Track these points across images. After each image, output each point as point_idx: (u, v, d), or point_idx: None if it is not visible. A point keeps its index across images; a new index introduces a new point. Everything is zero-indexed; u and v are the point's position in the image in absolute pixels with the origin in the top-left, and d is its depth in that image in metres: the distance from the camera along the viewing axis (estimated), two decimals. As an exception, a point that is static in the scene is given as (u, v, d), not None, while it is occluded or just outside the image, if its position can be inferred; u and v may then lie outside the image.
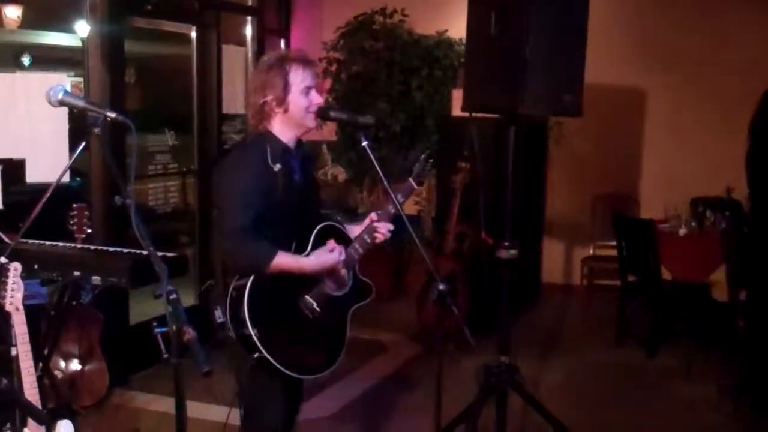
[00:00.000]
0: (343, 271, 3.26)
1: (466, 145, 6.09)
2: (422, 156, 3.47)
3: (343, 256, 3.17)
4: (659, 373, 5.96)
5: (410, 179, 3.40)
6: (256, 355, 2.97)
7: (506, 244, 4.31)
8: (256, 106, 3.11)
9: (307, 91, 3.12)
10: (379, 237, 3.27)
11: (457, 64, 7.63)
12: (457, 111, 6.61)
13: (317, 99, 3.15)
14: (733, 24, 7.56)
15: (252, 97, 3.14)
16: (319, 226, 3.19)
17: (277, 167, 3.08)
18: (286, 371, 3.02)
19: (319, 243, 3.16)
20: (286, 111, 3.10)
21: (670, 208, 6.67)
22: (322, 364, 3.20)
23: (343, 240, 3.26)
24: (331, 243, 3.17)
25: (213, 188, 3.20)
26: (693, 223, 6.48)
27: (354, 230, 3.35)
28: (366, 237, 3.24)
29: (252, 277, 2.99)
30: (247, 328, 2.95)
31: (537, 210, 8.11)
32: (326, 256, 3.13)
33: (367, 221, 3.30)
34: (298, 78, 3.10)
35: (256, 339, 2.94)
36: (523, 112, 4.13)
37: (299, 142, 3.23)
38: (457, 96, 6.62)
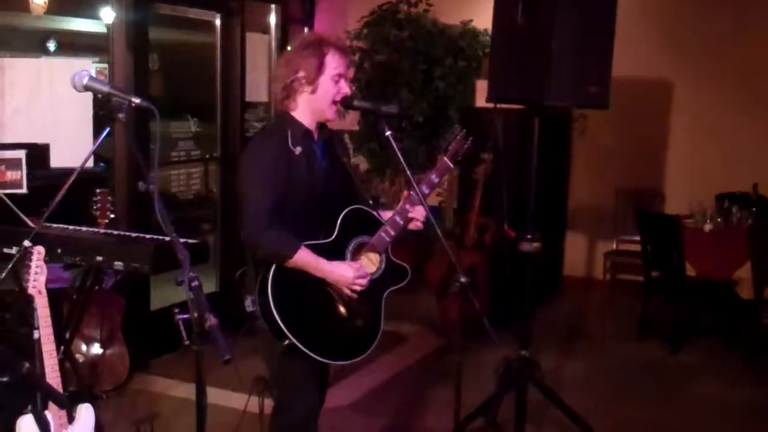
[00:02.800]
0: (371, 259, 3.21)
1: (489, 137, 6.06)
2: (461, 133, 3.34)
3: (364, 280, 3.10)
4: (682, 369, 5.91)
5: (444, 157, 3.29)
6: (286, 342, 2.96)
7: (529, 237, 4.28)
8: (285, 81, 3.07)
9: (338, 78, 3.09)
10: (416, 224, 3.20)
11: (482, 54, 7.59)
12: (480, 102, 6.58)
13: (345, 89, 3.12)
14: (761, 15, 7.45)
15: (283, 69, 3.10)
16: (346, 210, 3.12)
17: (298, 150, 3.06)
18: (318, 357, 3.01)
19: (347, 227, 3.11)
20: (313, 92, 3.07)
21: (695, 203, 6.61)
22: (356, 348, 3.15)
23: (373, 224, 3.18)
24: (359, 263, 3.11)
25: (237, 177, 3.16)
26: (718, 219, 6.41)
27: (387, 215, 3.25)
28: (398, 218, 3.16)
29: (275, 264, 2.98)
30: (273, 314, 2.93)
31: (560, 203, 8.07)
32: (345, 270, 3.06)
33: (402, 202, 3.20)
34: (333, 63, 3.07)
35: (282, 325, 2.93)
36: (549, 103, 4.11)
37: (324, 126, 3.20)
38: (481, 86, 6.60)
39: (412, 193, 3.16)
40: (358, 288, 3.08)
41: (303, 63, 3.04)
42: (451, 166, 3.31)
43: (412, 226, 3.21)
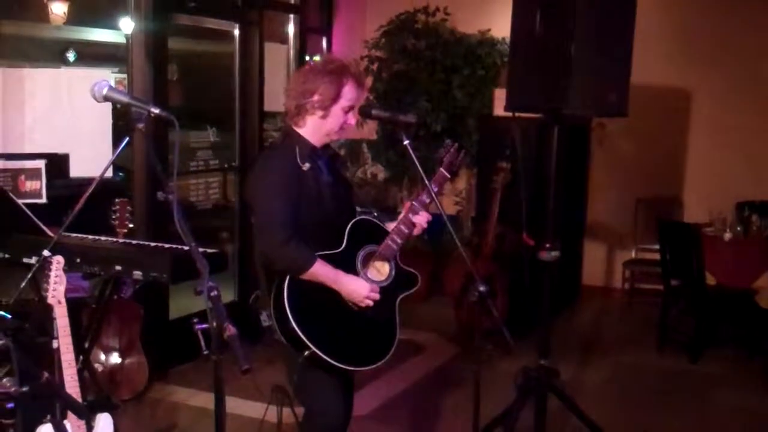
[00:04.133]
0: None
1: (507, 145, 6.05)
2: (452, 146, 3.42)
3: (375, 295, 3.16)
4: (701, 379, 5.86)
5: (441, 168, 3.37)
6: (306, 353, 2.98)
7: (548, 245, 4.26)
8: (299, 100, 3.14)
9: (348, 109, 3.16)
10: (418, 229, 3.28)
11: (500, 63, 7.59)
12: (498, 110, 6.58)
13: (351, 121, 3.20)
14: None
15: (300, 87, 3.15)
16: (353, 221, 3.20)
17: (306, 166, 3.12)
18: (339, 364, 3.03)
19: (354, 237, 3.17)
20: (323, 117, 3.14)
21: (715, 212, 6.57)
22: (375, 354, 3.19)
23: (379, 234, 3.26)
24: (373, 287, 3.16)
25: (245, 192, 3.23)
26: (738, 228, 6.37)
27: (392, 227, 3.33)
28: (403, 227, 3.24)
29: (288, 276, 3.01)
30: (292, 324, 2.95)
31: (579, 212, 8.04)
32: (361, 285, 3.13)
33: (403, 212, 3.29)
34: (349, 95, 3.14)
35: (301, 335, 2.95)
36: (568, 112, 4.09)
37: (327, 144, 3.27)
38: (499, 95, 6.59)
39: (414, 203, 3.25)
40: (369, 304, 3.14)
41: (321, 88, 3.11)
42: (448, 176, 3.40)
43: (415, 231, 3.29)
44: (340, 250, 3.14)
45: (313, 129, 3.17)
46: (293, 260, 3.01)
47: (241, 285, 6.46)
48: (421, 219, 3.25)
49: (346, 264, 3.14)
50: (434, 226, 3.35)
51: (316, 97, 3.11)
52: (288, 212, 3.02)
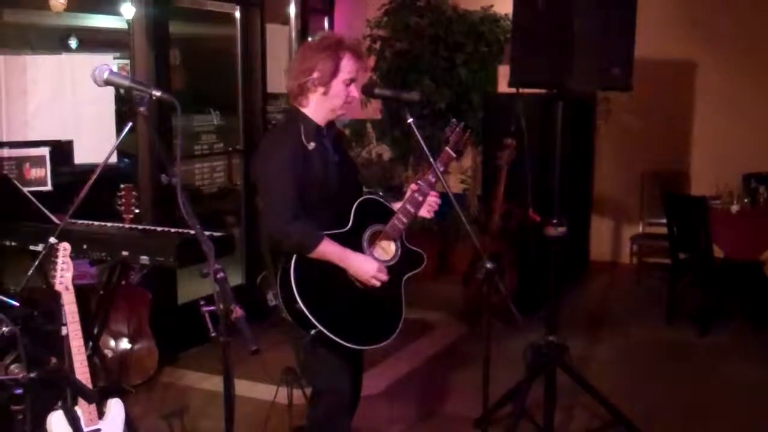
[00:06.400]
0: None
1: (512, 122, 6.02)
2: (457, 126, 3.42)
3: (383, 276, 3.16)
4: (711, 351, 5.86)
5: (447, 148, 3.37)
6: (312, 332, 2.99)
7: (554, 221, 4.25)
8: (299, 80, 3.14)
9: (349, 82, 3.15)
10: (428, 211, 3.31)
11: (503, 39, 7.55)
12: (502, 87, 6.55)
13: (354, 93, 3.19)
14: (786, -6, 7.36)
15: (299, 66, 3.16)
16: (359, 200, 3.21)
17: (312, 146, 3.13)
18: (345, 343, 3.04)
19: (360, 216, 3.18)
20: (325, 93, 3.14)
21: (722, 185, 6.55)
22: (382, 332, 3.20)
23: (385, 213, 3.26)
24: (380, 267, 3.16)
25: (251, 173, 3.23)
26: (745, 200, 6.35)
27: (398, 207, 3.33)
28: (409, 206, 3.24)
29: (296, 255, 3.02)
30: (299, 304, 2.97)
31: (585, 187, 8.02)
32: (370, 264, 3.13)
33: (409, 192, 3.29)
34: (348, 67, 3.14)
35: (308, 314, 2.96)
36: (572, 86, 4.08)
37: (332, 123, 3.27)
38: (503, 72, 6.57)
39: (420, 182, 3.25)
40: (375, 283, 3.14)
41: (319, 64, 3.11)
42: (454, 155, 3.40)
43: (422, 213, 3.31)
44: (346, 229, 3.14)
45: (317, 107, 3.17)
46: (300, 239, 3.02)
47: (249, 268, 6.47)
48: (433, 201, 3.28)
49: (353, 243, 3.15)
50: (441, 205, 3.37)
51: (315, 74, 3.10)
52: (294, 192, 3.02)
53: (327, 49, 3.12)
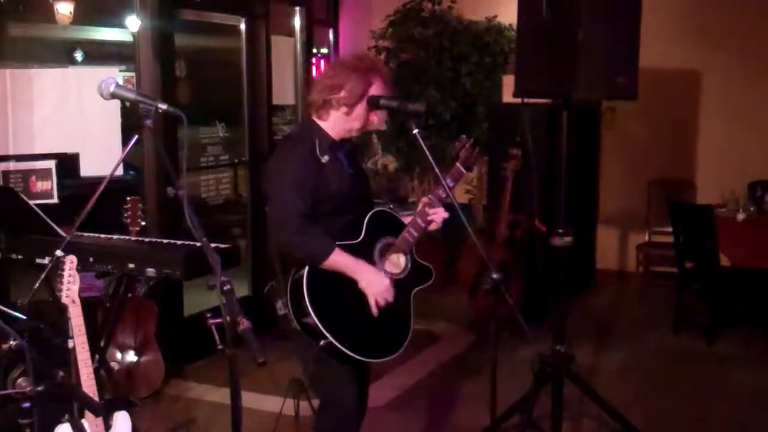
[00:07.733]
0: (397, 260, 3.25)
1: (517, 132, 6.03)
2: (467, 141, 3.40)
3: (389, 291, 3.16)
4: (718, 360, 5.84)
5: (457, 164, 3.36)
6: (322, 342, 2.99)
7: (560, 231, 4.25)
8: (325, 95, 3.13)
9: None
10: (434, 225, 3.28)
11: (508, 49, 7.56)
12: (507, 97, 6.54)
13: (374, 119, 3.20)
14: (791, 1, 7.36)
15: (327, 81, 3.15)
16: (371, 212, 3.21)
17: (325, 159, 3.13)
18: (355, 355, 3.04)
19: (372, 229, 3.18)
20: (348, 114, 3.14)
21: (728, 193, 6.54)
22: (390, 346, 3.20)
23: (396, 226, 3.26)
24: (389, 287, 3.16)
25: (263, 182, 3.22)
26: (751, 208, 6.35)
27: (407, 220, 3.34)
28: (419, 221, 3.24)
29: (308, 266, 3.02)
30: (310, 315, 2.97)
31: (591, 196, 8.01)
32: (381, 281, 3.13)
33: (420, 206, 3.29)
34: (376, 93, 3.13)
35: (320, 325, 2.96)
36: (578, 96, 4.07)
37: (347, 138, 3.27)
38: (508, 82, 6.57)
39: (430, 196, 3.25)
40: (380, 302, 3.13)
41: (348, 84, 3.10)
42: (464, 171, 3.38)
43: (431, 227, 3.29)
44: (358, 240, 3.14)
45: (335, 124, 3.17)
46: (312, 249, 3.02)
47: (255, 279, 6.47)
48: (438, 216, 3.25)
49: (364, 255, 3.15)
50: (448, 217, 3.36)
51: (342, 93, 3.10)
52: (305, 202, 3.02)
53: (359, 70, 3.12)
